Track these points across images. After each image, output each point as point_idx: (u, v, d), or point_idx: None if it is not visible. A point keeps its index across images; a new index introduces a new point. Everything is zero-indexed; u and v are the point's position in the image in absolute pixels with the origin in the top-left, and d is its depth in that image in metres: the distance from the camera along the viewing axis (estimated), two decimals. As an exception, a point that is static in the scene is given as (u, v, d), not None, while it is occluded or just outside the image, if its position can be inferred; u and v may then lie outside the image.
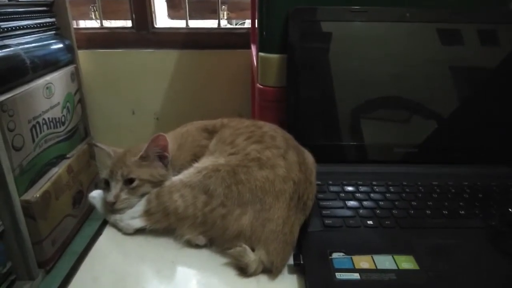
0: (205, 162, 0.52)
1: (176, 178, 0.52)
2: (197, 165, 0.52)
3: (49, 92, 1.27)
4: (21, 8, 1.24)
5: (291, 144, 0.54)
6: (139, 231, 0.52)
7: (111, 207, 0.53)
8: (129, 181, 0.53)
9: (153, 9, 1.58)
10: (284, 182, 0.48)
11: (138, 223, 0.51)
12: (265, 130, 0.56)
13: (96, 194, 0.58)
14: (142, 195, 0.53)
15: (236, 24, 1.97)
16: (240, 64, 1.55)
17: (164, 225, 0.50)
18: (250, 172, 0.48)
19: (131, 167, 0.54)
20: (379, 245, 0.47)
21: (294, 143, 0.56)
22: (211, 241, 0.50)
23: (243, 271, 0.45)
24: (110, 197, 0.53)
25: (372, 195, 0.56)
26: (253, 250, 0.46)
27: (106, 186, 0.55)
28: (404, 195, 0.56)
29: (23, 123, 1.12)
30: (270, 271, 0.45)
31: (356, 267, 0.43)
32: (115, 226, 0.53)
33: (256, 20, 0.79)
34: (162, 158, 0.56)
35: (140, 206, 0.52)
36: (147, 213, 0.51)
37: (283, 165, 0.50)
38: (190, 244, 0.49)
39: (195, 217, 0.48)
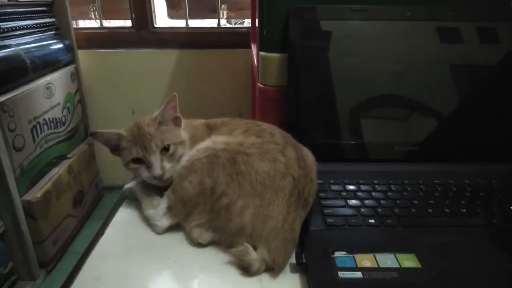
0: (203, 144, 0.54)
1: (179, 167, 0.54)
2: (196, 148, 0.54)
3: (49, 92, 1.27)
4: (21, 8, 1.24)
5: (290, 141, 0.55)
6: (141, 230, 0.52)
7: (161, 180, 0.54)
8: (165, 149, 0.55)
9: (152, 9, 1.58)
10: (283, 177, 0.48)
11: (165, 222, 0.52)
12: (264, 127, 0.56)
13: (129, 185, 0.59)
14: (179, 159, 0.55)
15: (235, 24, 1.96)
16: (240, 64, 1.55)
17: (184, 215, 0.51)
18: (250, 163, 0.48)
19: (160, 135, 0.55)
20: (381, 243, 0.47)
21: (293, 140, 0.56)
22: (214, 233, 0.50)
23: (245, 270, 0.45)
24: (157, 170, 0.54)
25: (373, 193, 0.56)
26: (255, 248, 0.46)
27: (138, 165, 0.55)
28: (405, 193, 0.56)
29: (24, 124, 1.12)
30: (272, 269, 0.45)
31: (359, 265, 0.43)
32: (147, 221, 0.54)
33: (257, 19, 0.79)
34: (175, 119, 0.58)
35: (163, 203, 0.53)
36: (170, 209, 0.52)
37: (282, 160, 0.50)
38: (193, 243, 0.50)
39: (205, 204, 0.49)
